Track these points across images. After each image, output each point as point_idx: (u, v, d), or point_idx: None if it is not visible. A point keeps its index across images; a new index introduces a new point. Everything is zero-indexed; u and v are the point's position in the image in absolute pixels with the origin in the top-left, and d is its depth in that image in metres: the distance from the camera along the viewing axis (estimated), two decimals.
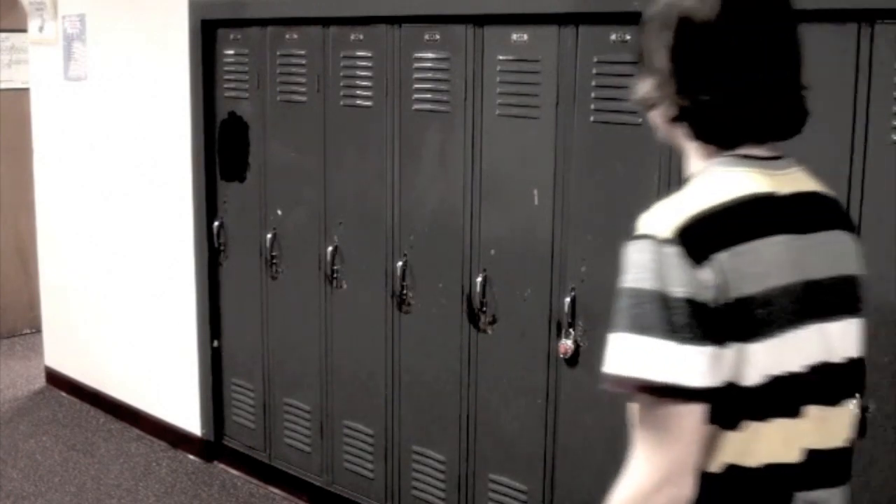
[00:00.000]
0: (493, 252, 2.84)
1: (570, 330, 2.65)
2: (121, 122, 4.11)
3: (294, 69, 3.29)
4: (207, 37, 3.60)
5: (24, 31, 4.76)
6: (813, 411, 1.31)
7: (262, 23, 3.38)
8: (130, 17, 3.97)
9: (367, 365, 3.23)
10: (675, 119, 1.34)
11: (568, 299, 2.65)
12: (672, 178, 2.41)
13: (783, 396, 1.27)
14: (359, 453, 3.32)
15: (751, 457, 1.27)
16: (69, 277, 4.61)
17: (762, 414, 1.26)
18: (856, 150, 2.12)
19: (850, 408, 1.38)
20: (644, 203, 2.48)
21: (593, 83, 2.53)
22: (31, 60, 4.65)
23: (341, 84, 3.14)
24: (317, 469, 3.46)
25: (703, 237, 1.23)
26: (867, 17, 2.07)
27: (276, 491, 3.66)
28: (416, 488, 3.18)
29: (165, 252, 3.99)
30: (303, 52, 3.26)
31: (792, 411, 1.29)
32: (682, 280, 1.22)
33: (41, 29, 4.49)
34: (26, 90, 4.78)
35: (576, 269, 2.64)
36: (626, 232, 2.64)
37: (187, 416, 4.00)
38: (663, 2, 1.32)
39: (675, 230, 1.24)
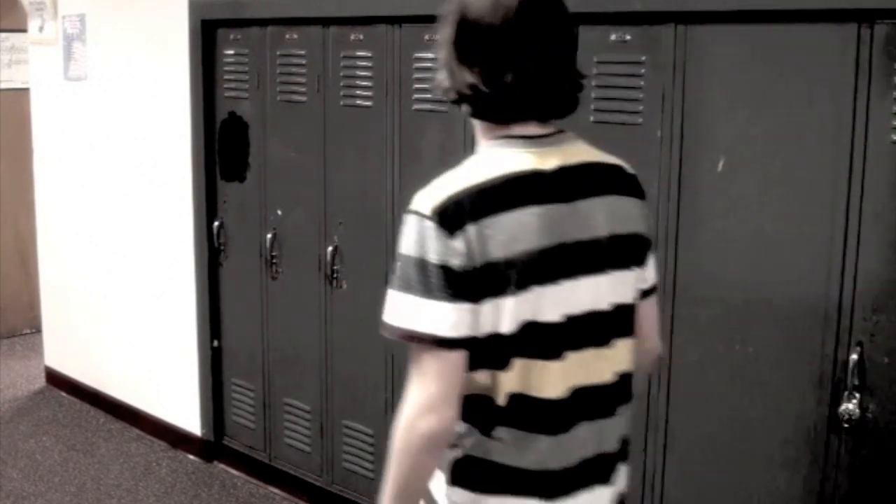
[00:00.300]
0: None
1: None
2: (121, 122, 4.11)
3: (294, 69, 3.29)
4: (207, 37, 3.60)
5: (24, 31, 4.76)
6: (580, 354, 1.55)
7: (262, 23, 3.38)
8: (130, 17, 3.97)
9: (368, 365, 3.23)
10: (456, 102, 1.59)
11: None
12: (672, 178, 2.41)
13: (545, 342, 1.52)
14: (359, 453, 3.32)
15: (527, 391, 1.52)
16: (69, 277, 4.61)
17: (528, 356, 1.50)
18: (856, 150, 2.12)
19: (626, 342, 1.62)
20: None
21: (593, 83, 2.53)
22: (31, 60, 4.65)
23: (341, 84, 3.14)
24: (317, 469, 3.46)
25: (455, 214, 1.47)
26: (867, 17, 2.07)
27: (276, 491, 3.66)
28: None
29: (165, 252, 3.99)
30: (303, 52, 3.26)
31: (555, 354, 1.53)
32: (437, 249, 1.47)
33: (41, 29, 4.49)
34: (26, 90, 4.78)
35: None
36: None
37: (187, 416, 4.00)
38: (451, 2, 1.56)
39: (433, 209, 1.49)
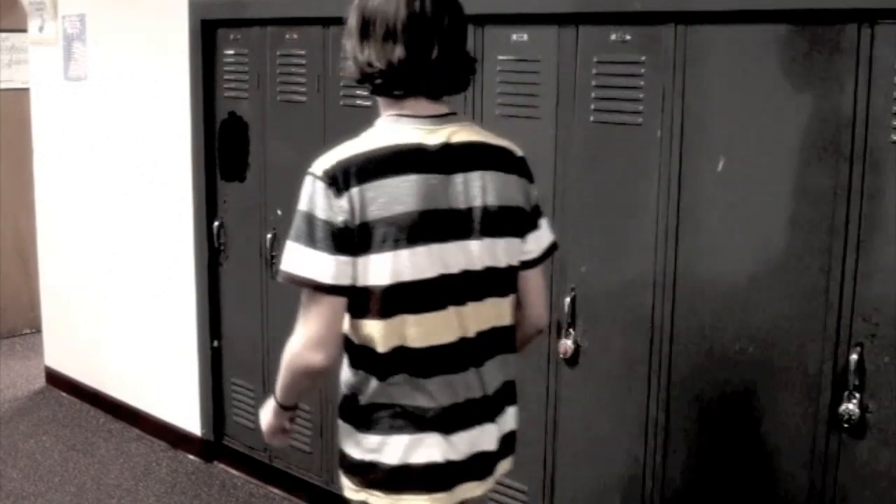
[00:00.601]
0: None
1: (570, 330, 2.65)
2: (121, 122, 4.11)
3: (294, 69, 3.29)
4: (207, 37, 3.60)
5: (24, 31, 4.76)
6: (458, 308, 1.77)
7: (262, 23, 3.38)
8: (130, 17, 3.97)
9: None
10: (359, 82, 1.80)
11: (568, 299, 2.64)
12: (672, 178, 2.41)
13: (423, 296, 1.73)
14: None
15: (408, 339, 1.75)
16: (69, 277, 4.61)
17: (409, 309, 1.73)
18: (856, 150, 2.12)
19: (501, 301, 1.84)
20: (644, 203, 2.49)
21: (593, 83, 2.53)
22: (31, 60, 4.65)
23: (341, 84, 3.14)
24: (317, 469, 3.46)
25: (342, 177, 1.69)
26: (867, 17, 2.07)
27: (276, 491, 3.66)
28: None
29: (165, 252, 3.99)
30: (303, 52, 3.26)
31: (435, 307, 1.75)
32: (324, 206, 1.69)
33: (41, 29, 4.49)
34: (26, 90, 4.78)
35: (576, 269, 2.64)
36: (626, 232, 2.66)
37: (187, 416, 4.00)
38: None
39: (324, 171, 1.71)
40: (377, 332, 1.75)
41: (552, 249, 1.95)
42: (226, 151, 3.62)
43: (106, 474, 3.88)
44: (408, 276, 1.72)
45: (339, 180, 1.70)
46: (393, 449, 1.79)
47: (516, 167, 1.86)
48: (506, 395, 1.89)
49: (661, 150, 2.43)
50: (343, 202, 1.69)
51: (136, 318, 4.22)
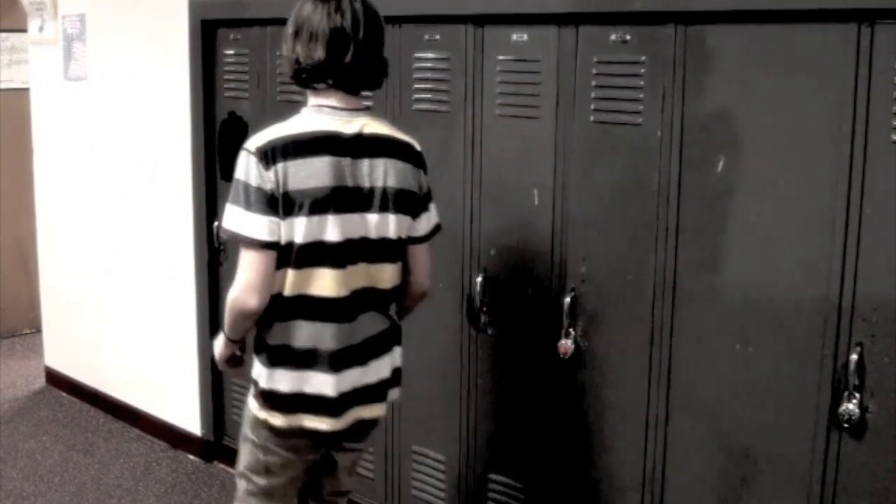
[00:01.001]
0: (493, 252, 2.84)
1: (570, 330, 2.65)
2: (121, 122, 4.11)
3: None
4: (207, 37, 3.60)
5: (24, 31, 4.76)
6: (356, 266, 2.18)
7: (262, 23, 3.38)
8: (130, 17, 3.97)
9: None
10: (292, 79, 2.21)
11: (568, 299, 2.64)
12: (672, 178, 2.41)
13: (329, 255, 2.14)
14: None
15: (311, 289, 2.15)
16: (69, 277, 4.61)
17: (317, 264, 2.13)
18: (856, 150, 2.12)
19: (389, 266, 2.24)
20: (644, 203, 2.49)
21: (593, 83, 2.53)
22: (31, 60, 4.65)
23: None
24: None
25: (271, 153, 2.10)
26: (867, 17, 2.07)
27: None
28: (416, 488, 3.18)
29: (165, 252, 3.99)
30: None
31: (337, 265, 2.15)
32: (256, 176, 2.09)
33: (41, 29, 4.49)
34: (26, 90, 4.78)
35: (576, 269, 2.64)
36: (626, 232, 2.66)
37: (187, 416, 4.00)
38: (294, 7, 2.20)
39: (257, 148, 2.12)
40: (288, 280, 2.15)
41: (437, 230, 2.36)
42: (226, 151, 3.62)
43: (106, 474, 3.89)
44: (319, 237, 2.13)
45: (268, 156, 2.10)
46: (290, 380, 2.20)
47: (414, 158, 2.26)
48: (387, 338, 2.30)
49: (661, 150, 2.43)
50: (270, 174, 2.09)
51: (136, 318, 4.22)
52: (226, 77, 3.57)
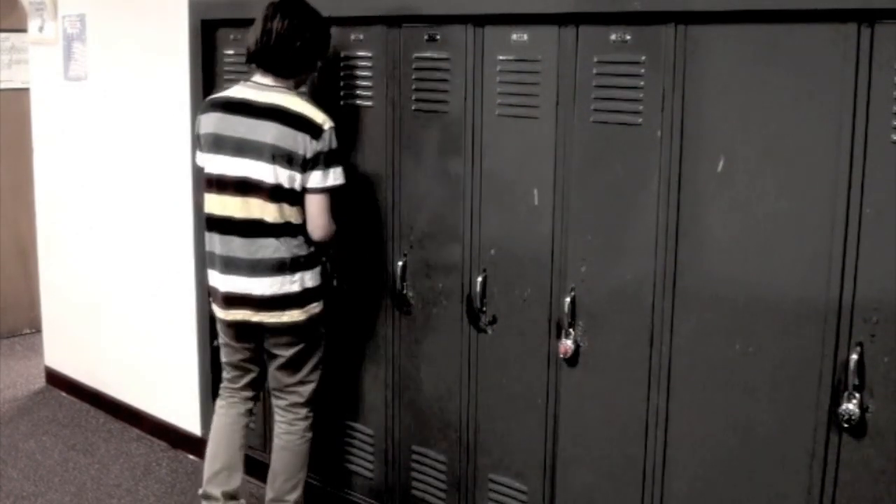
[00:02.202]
0: (493, 252, 2.84)
1: (570, 330, 2.65)
2: (121, 123, 4.11)
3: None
4: (207, 37, 3.60)
5: (24, 31, 4.76)
6: (229, 195, 2.88)
7: None
8: (130, 17, 3.97)
9: (367, 364, 3.23)
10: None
11: (568, 299, 2.64)
12: (672, 178, 2.41)
13: (215, 184, 2.91)
14: (359, 453, 3.32)
15: (208, 208, 2.96)
16: (69, 277, 4.61)
17: (210, 189, 2.94)
18: (856, 150, 2.12)
19: (269, 203, 2.85)
20: (644, 203, 2.49)
21: (593, 83, 2.53)
22: (31, 60, 4.65)
23: (341, 84, 3.14)
24: (316, 469, 3.46)
25: (203, 107, 2.98)
26: (867, 17, 2.07)
27: None
28: (416, 488, 3.18)
29: (165, 252, 3.99)
30: None
31: (220, 191, 2.90)
32: (197, 124, 2.98)
33: (41, 29, 4.49)
34: (26, 90, 4.78)
35: (576, 269, 2.64)
36: (626, 232, 2.66)
37: (187, 416, 4.00)
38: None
39: (202, 104, 3.02)
40: (205, 200, 2.97)
41: (324, 190, 2.86)
42: None
43: (106, 474, 3.89)
44: (209, 170, 2.93)
45: (201, 109, 2.98)
46: (210, 276, 3.02)
47: (305, 128, 2.82)
48: (277, 262, 2.88)
49: (661, 150, 2.43)
50: (198, 122, 2.98)
51: (136, 318, 4.22)
52: (226, 77, 3.56)
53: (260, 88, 2.89)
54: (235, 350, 3.10)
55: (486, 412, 2.93)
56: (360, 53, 3.07)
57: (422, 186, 3.00)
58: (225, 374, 3.18)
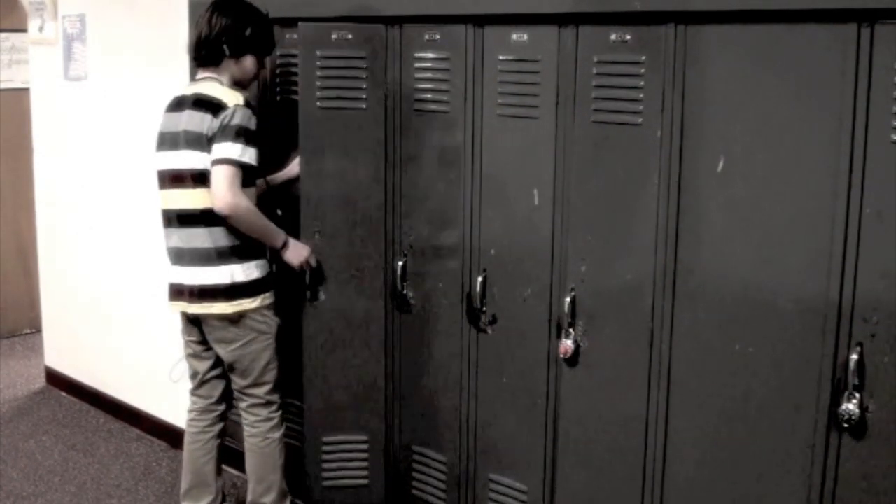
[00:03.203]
0: (493, 252, 2.84)
1: (570, 330, 2.65)
2: (121, 123, 4.11)
3: (293, 69, 3.28)
4: None
5: (24, 31, 4.77)
6: (172, 190, 2.98)
7: None
8: (130, 17, 3.97)
9: (367, 364, 3.23)
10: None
11: (568, 299, 2.64)
12: (672, 178, 2.41)
13: (159, 179, 3.03)
14: (359, 453, 3.32)
15: (161, 204, 3.06)
16: (69, 277, 4.61)
17: (158, 185, 3.04)
18: (856, 150, 2.12)
19: (191, 191, 2.92)
20: (644, 203, 2.49)
21: (593, 83, 2.53)
22: (31, 60, 4.65)
23: (340, 85, 3.13)
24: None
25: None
26: (867, 17, 2.07)
27: None
28: (415, 488, 3.18)
29: (165, 252, 3.99)
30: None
31: (161, 185, 3.02)
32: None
33: (41, 29, 4.49)
34: (26, 90, 4.78)
35: (576, 269, 2.64)
36: (626, 232, 2.66)
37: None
38: None
39: None
40: None
41: (223, 161, 2.82)
42: None
43: (106, 474, 3.89)
44: (157, 167, 3.02)
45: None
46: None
47: (209, 108, 2.87)
48: (200, 254, 2.93)
49: (661, 150, 2.43)
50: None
51: (136, 318, 4.22)
52: None
53: (192, 83, 3.02)
54: (186, 343, 3.15)
55: (486, 412, 2.93)
56: (360, 54, 3.07)
57: (422, 186, 3.00)
58: (188, 374, 3.23)
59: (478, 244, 2.87)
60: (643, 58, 2.43)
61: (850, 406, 2.17)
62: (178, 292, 3.01)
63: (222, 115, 2.85)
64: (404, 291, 3.08)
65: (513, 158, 2.75)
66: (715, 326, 2.39)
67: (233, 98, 2.88)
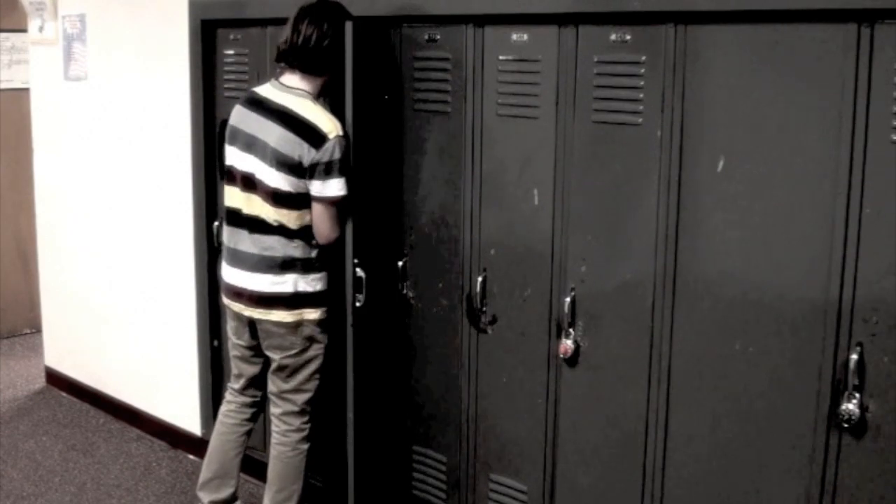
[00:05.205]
0: (493, 252, 2.84)
1: (570, 330, 2.65)
2: (121, 123, 4.11)
3: None
4: (207, 37, 3.60)
5: (24, 31, 4.76)
6: (239, 189, 2.93)
7: (262, 23, 3.38)
8: (130, 17, 3.97)
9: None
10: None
11: (568, 299, 2.65)
12: (672, 178, 2.41)
13: (228, 175, 2.97)
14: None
15: (224, 199, 3.03)
16: (69, 277, 4.61)
17: (225, 180, 3.02)
18: (856, 150, 2.12)
19: (270, 205, 2.87)
20: (644, 203, 2.49)
21: (593, 83, 2.53)
22: (31, 60, 4.65)
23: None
24: (318, 470, 3.46)
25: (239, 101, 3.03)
26: (867, 17, 2.07)
27: None
28: (416, 488, 3.18)
29: (165, 252, 3.99)
30: None
31: (230, 182, 2.97)
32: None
33: (41, 29, 4.49)
34: (26, 90, 4.78)
35: (576, 269, 2.64)
36: (626, 232, 2.66)
37: (187, 416, 4.00)
38: None
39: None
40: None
41: (323, 199, 2.84)
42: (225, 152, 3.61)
43: (106, 474, 3.89)
44: (227, 161, 2.97)
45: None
46: (221, 268, 3.08)
47: (307, 135, 2.80)
48: (272, 261, 2.90)
49: (661, 150, 2.43)
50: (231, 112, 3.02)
51: (136, 318, 4.22)
52: (226, 77, 3.57)
53: (281, 89, 2.89)
54: (235, 346, 3.13)
55: (486, 412, 2.93)
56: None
57: (422, 186, 3.00)
58: (232, 373, 3.21)
59: (478, 244, 2.87)
60: (643, 58, 2.43)
61: (850, 406, 2.17)
62: (236, 294, 2.99)
63: (323, 149, 2.77)
64: (404, 291, 3.08)
65: (513, 158, 2.75)
66: (715, 326, 2.39)
67: (331, 126, 2.79)
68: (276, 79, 2.92)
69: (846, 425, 2.18)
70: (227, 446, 3.19)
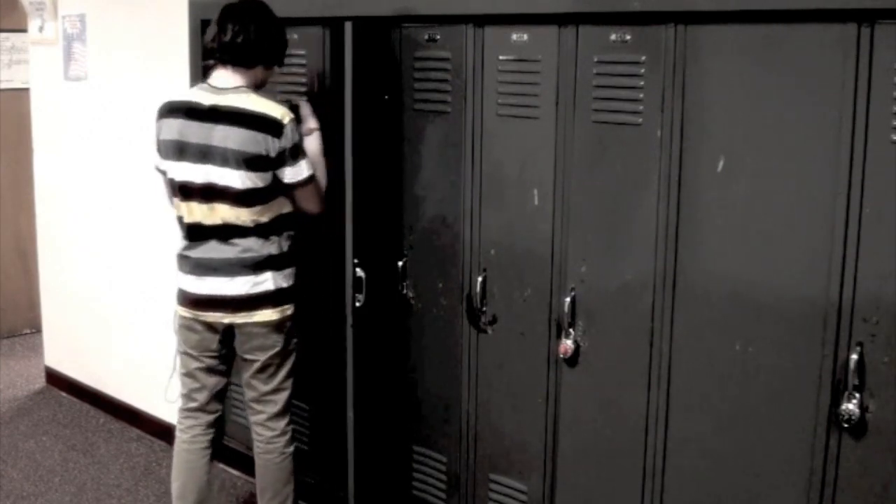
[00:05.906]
0: (493, 252, 2.84)
1: (570, 330, 2.65)
2: (121, 122, 4.11)
3: (294, 69, 3.28)
4: None
5: (24, 31, 4.77)
6: (195, 202, 2.86)
7: None
8: (130, 17, 3.97)
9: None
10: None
11: (568, 299, 2.65)
12: (672, 178, 2.41)
13: (180, 190, 2.88)
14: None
15: (181, 214, 2.93)
16: (69, 277, 4.61)
17: (177, 195, 2.91)
18: (856, 150, 2.12)
19: (236, 208, 2.82)
20: (644, 203, 2.49)
21: (593, 83, 2.53)
22: (31, 60, 4.65)
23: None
24: (316, 469, 3.46)
25: (159, 112, 2.93)
26: (867, 17, 2.07)
27: None
28: (416, 488, 3.18)
29: (165, 252, 3.99)
30: (303, 52, 3.26)
31: (185, 197, 2.88)
32: (157, 129, 2.95)
33: (41, 29, 4.49)
34: (26, 90, 4.78)
35: (576, 269, 2.64)
36: (626, 232, 2.66)
37: None
38: None
39: (159, 108, 2.95)
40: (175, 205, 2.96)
41: (304, 182, 2.87)
42: None
43: (106, 474, 3.89)
44: (173, 176, 2.89)
45: (158, 114, 2.93)
46: (179, 281, 2.97)
47: (266, 127, 2.77)
48: (245, 263, 2.87)
49: (661, 150, 2.43)
50: (157, 127, 2.93)
51: (137, 317, 4.22)
52: None
53: (216, 91, 2.84)
54: (198, 359, 3.00)
55: (486, 412, 2.93)
56: None
57: (422, 186, 3.00)
58: (182, 391, 3.06)
59: (478, 244, 2.87)
60: (643, 58, 2.43)
61: (850, 406, 2.17)
62: (208, 304, 2.91)
63: (284, 136, 2.78)
64: (404, 291, 3.08)
65: (513, 158, 2.75)
66: (715, 326, 2.39)
67: (282, 112, 2.80)
68: (204, 81, 2.89)
69: (846, 425, 2.18)
70: (198, 473, 3.07)
